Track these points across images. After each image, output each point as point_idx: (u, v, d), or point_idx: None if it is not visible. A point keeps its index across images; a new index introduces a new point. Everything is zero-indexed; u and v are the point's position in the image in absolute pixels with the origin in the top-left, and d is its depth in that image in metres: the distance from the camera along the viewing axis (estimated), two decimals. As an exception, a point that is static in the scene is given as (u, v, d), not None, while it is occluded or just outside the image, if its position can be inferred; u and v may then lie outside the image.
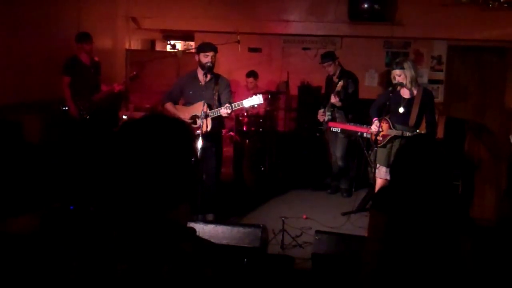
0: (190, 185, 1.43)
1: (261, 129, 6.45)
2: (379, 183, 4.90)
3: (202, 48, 5.02)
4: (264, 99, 4.96)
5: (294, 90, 7.59)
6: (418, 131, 4.63)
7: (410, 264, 2.32)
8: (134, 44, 8.90)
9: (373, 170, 4.94)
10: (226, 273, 1.39)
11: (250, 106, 4.97)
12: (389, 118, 4.84)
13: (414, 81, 4.73)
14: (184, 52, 7.45)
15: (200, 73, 5.02)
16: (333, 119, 6.06)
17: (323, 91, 6.67)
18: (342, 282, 3.66)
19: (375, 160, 4.87)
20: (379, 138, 4.88)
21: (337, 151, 6.28)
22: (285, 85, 7.40)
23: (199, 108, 4.80)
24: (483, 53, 8.12)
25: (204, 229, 4.15)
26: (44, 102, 6.10)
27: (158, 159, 1.37)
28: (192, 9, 8.06)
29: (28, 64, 6.03)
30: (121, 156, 1.37)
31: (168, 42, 8.12)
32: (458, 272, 2.33)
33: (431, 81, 8.13)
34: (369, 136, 5.10)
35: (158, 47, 9.84)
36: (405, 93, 4.79)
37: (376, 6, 7.29)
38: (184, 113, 4.99)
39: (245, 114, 6.41)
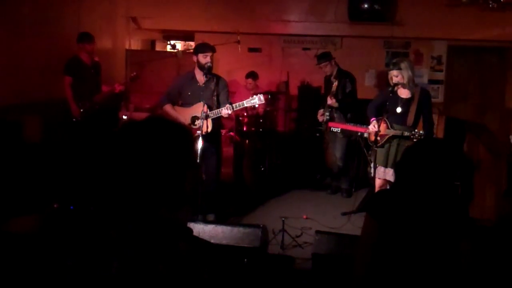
0: (190, 187, 1.44)
1: (261, 129, 6.45)
2: (378, 183, 4.91)
3: (201, 48, 5.01)
4: (264, 99, 4.96)
5: (294, 90, 7.59)
6: (416, 130, 4.63)
7: (406, 269, 2.32)
8: (134, 44, 8.91)
9: (372, 170, 4.94)
10: (222, 273, 1.39)
11: (250, 106, 4.98)
12: (386, 118, 4.85)
13: (412, 81, 4.75)
14: (184, 52, 7.45)
15: (199, 74, 5.02)
16: (331, 119, 6.07)
17: (322, 91, 6.67)
18: (342, 282, 3.66)
19: (374, 160, 4.87)
20: (377, 138, 4.90)
21: (337, 151, 6.28)
22: (285, 85, 7.40)
23: (199, 109, 4.80)
24: (483, 53, 8.13)
25: (204, 229, 4.15)
26: (44, 102, 6.10)
27: (157, 161, 1.38)
28: (192, 9, 8.06)
29: (28, 64, 6.03)
30: (121, 157, 1.38)
31: (168, 42, 8.12)
32: (457, 274, 2.33)
33: (431, 81, 8.14)
34: (367, 136, 5.11)
35: (158, 47, 9.85)
36: (402, 93, 4.80)
37: (376, 6, 7.29)
38: (184, 114, 4.99)
39: (245, 114, 6.41)
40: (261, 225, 4.25)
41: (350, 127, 5.44)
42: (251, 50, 8.22)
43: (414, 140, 4.52)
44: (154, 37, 9.62)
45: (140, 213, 1.36)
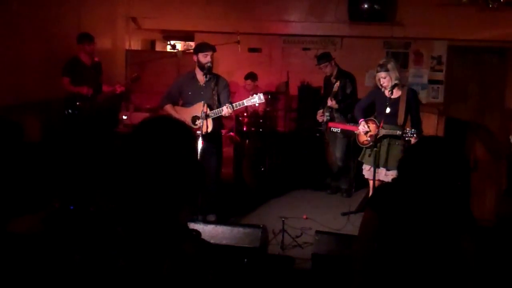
0: (194, 186, 1.45)
1: (261, 129, 6.45)
2: (371, 184, 5.00)
3: (201, 48, 5.01)
4: (264, 99, 4.96)
5: (294, 91, 7.59)
6: (408, 129, 4.68)
7: (406, 262, 2.32)
8: (134, 44, 8.90)
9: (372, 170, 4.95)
10: (227, 275, 1.40)
11: (251, 105, 4.99)
12: (374, 118, 4.96)
13: (399, 81, 4.81)
14: (184, 52, 7.44)
15: (199, 74, 5.01)
16: (331, 119, 6.08)
17: (322, 91, 6.67)
18: (342, 282, 3.66)
19: (376, 159, 4.88)
20: (368, 138, 4.94)
21: (337, 152, 6.29)
22: (285, 86, 7.40)
23: (199, 108, 4.79)
24: (483, 53, 8.13)
25: (204, 230, 4.15)
26: (44, 102, 6.10)
27: (163, 161, 1.39)
28: (192, 9, 8.06)
29: (28, 65, 6.03)
30: (129, 157, 1.39)
31: (168, 42, 8.12)
32: (459, 271, 2.33)
33: (431, 81, 8.14)
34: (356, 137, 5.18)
35: (158, 47, 9.85)
36: (390, 93, 4.85)
37: (376, 6, 7.30)
38: (184, 114, 4.98)
39: (245, 114, 6.41)
40: (261, 225, 4.25)
41: (350, 127, 5.45)
42: (251, 50, 8.22)
43: (406, 138, 4.61)
44: (154, 37, 9.62)
45: (147, 213, 1.36)
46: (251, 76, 6.96)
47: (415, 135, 4.55)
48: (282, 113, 7.36)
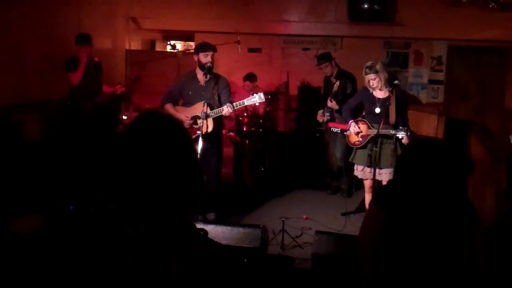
0: (199, 185, 1.45)
1: (261, 129, 6.45)
2: (366, 183, 5.04)
3: (202, 48, 5.00)
4: (264, 99, 4.96)
5: (294, 91, 7.59)
6: (401, 127, 4.70)
7: (413, 257, 2.32)
8: (134, 44, 8.90)
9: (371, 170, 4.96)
10: (235, 275, 1.41)
11: (251, 104, 4.99)
12: (363, 118, 5.00)
13: (388, 82, 4.84)
14: (184, 52, 7.44)
15: (200, 73, 5.01)
16: (331, 119, 6.08)
17: (322, 91, 6.67)
18: (342, 282, 3.66)
19: (376, 160, 4.88)
20: (359, 139, 4.97)
21: (337, 152, 6.28)
22: (285, 86, 7.40)
23: (199, 108, 4.79)
24: (483, 53, 8.13)
25: (204, 229, 4.14)
26: (44, 102, 6.10)
27: (158, 157, 1.38)
28: (192, 9, 8.06)
29: (28, 64, 6.03)
30: (134, 156, 1.39)
31: (168, 43, 8.11)
32: (469, 262, 2.34)
33: (431, 81, 8.15)
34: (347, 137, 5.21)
35: (158, 48, 9.84)
36: (378, 94, 4.91)
37: (376, 6, 7.30)
38: (185, 114, 4.98)
39: (245, 114, 6.41)
40: (261, 225, 4.25)
41: (350, 127, 5.44)
42: (251, 50, 8.22)
43: (400, 137, 4.65)
44: (154, 37, 9.62)
45: (156, 212, 1.37)
46: (250, 77, 6.95)
47: (408, 134, 4.62)
48: (282, 113, 7.36)
